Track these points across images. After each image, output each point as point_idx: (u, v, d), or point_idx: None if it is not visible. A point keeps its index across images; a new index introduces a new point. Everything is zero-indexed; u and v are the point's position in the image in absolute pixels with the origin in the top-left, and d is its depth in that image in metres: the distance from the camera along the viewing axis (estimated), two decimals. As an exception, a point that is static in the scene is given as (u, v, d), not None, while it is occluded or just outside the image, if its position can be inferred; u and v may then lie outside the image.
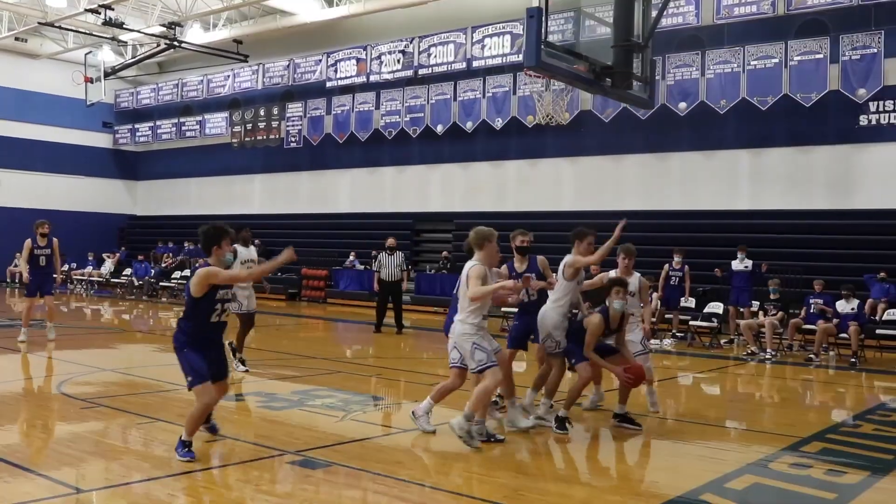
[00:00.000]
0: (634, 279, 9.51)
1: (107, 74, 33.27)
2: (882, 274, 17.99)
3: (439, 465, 7.01)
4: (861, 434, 9.04)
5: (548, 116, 24.55)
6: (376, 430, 8.30)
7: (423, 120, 28.07)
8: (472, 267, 7.62)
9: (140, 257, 31.57)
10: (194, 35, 31.34)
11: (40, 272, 15.00)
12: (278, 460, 7.03)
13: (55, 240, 15.17)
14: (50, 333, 15.04)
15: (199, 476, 6.55)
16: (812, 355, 15.81)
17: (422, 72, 27.65)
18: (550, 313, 8.72)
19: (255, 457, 7.10)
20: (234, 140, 33.26)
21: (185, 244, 31.64)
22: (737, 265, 18.29)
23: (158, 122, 36.67)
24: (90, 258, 32.89)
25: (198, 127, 35.13)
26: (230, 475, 6.74)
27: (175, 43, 29.90)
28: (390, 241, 18.58)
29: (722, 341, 18.12)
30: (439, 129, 27.73)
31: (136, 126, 37.56)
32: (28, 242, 14.82)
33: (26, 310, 15.09)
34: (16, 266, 32.81)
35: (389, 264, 18.38)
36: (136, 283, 30.24)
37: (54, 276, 15.65)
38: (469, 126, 26.98)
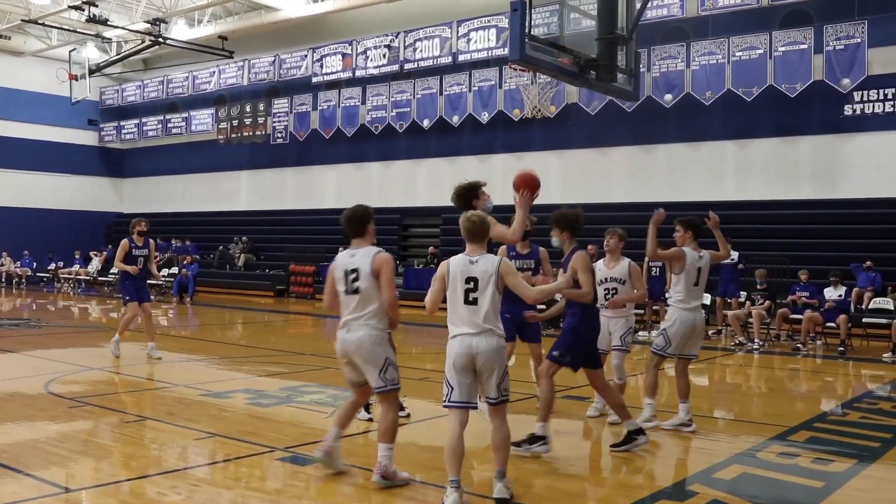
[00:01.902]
0: (624, 264, 9.00)
1: (91, 72, 33.16)
2: (868, 263, 18.09)
3: (429, 460, 7.02)
4: (848, 422, 9.10)
5: (534, 109, 24.59)
6: (364, 426, 8.29)
7: (409, 114, 28.04)
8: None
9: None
10: (179, 31, 31.23)
11: (137, 276, 13.02)
12: (268, 457, 7.03)
13: (152, 241, 13.50)
14: (154, 353, 12.92)
15: (188, 474, 6.54)
16: (800, 344, 15.92)
17: (407, 66, 27.61)
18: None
19: (244, 454, 7.09)
20: (220, 136, 33.16)
21: (172, 241, 31.55)
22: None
23: (144, 120, 36.53)
24: (77, 256, 32.75)
25: (184, 124, 35.02)
26: (219, 473, 6.74)
27: (160, 39, 29.81)
28: None
29: (710, 332, 18.17)
30: (426, 123, 27.71)
31: (122, 123, 37.41)
32: (125, 242, 13.06)
33: (129, 319, 13.11)
34: (2, 265, 32.71)
35: None
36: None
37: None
38: (455, 120, 26.97)
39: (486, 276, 5.89)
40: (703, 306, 18.42)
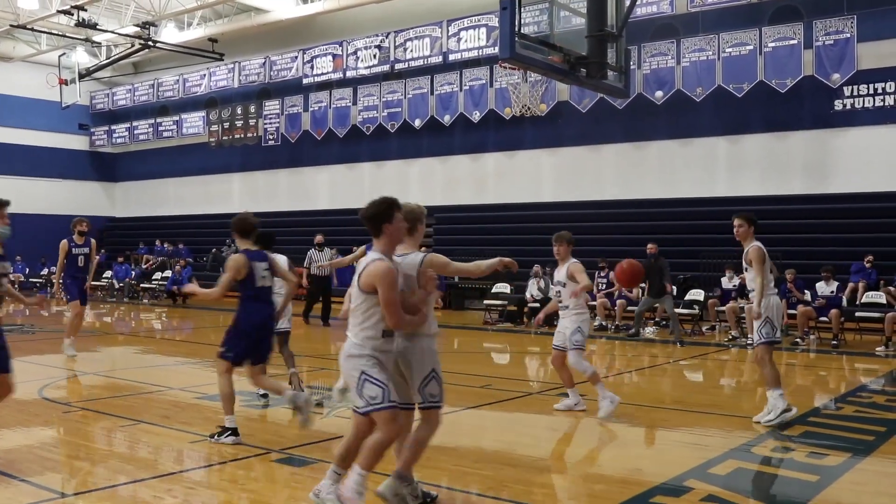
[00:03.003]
0: (563, 270, 9.20)
1: (81, 76, 33.11)
2: (869, 258, 18.02)
3: (424, 460, 7.00)
4: (842, 416, 9.12)
5: (524, 108, 24.59)
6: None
7: (400, 114, 28.04)
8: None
9: (120, 259, 31.41)
10: (169, 34, 31.17)
11: (79, 276, 13.68)
12: (263, 459, 7.02)
13: (93, 240, 13.92)
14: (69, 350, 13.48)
15: (183, 477, 6.54)
16: (798, 339, 16.01)
17: (398, 66, 27.61)
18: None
19: (240, 456, 7.08)
20: (211, 139, 33.10)
21: (164, 245, 31.49)
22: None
23: (135, 123, 36.45)
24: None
25: (175, 127, 34.95)
26: (215, 475, 6.73)
27: (150, 43, 29.76)
28: (318, 238, 19.31)
29: (704, 328, 18.24)
30: (417, 123, 27.72)
31: (113, 127, 37.32)
32: (64, 243, 13.52)
33: (74, 318, 13.59)
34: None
35: (320, 260, 18.96)
36: (117, 286, 30.08)
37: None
38: (447, 119, 26.98)
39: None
40: (696, 303, 18.64)
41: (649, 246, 17.20)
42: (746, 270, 8.99)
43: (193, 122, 34.14)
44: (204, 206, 34.30)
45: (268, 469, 6.81)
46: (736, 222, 8.99)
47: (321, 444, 7.49)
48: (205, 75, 33.09)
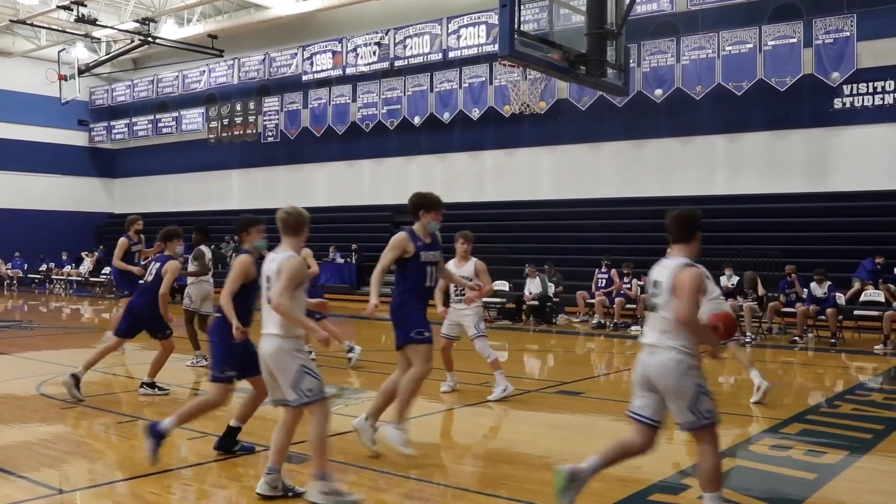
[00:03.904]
0: (470, 264, 10.09)
1: (81, 72, 33.10)
2: (880, 259, 17.96)
3: (421, 456, 7.02)
4: (840, 414, 9.13)
5: (524, 105, 24.62)
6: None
7: (400, 112, 28.05)
8: (287, 260, 5.79)
9: (119, 255, 31.35)
10: (169, 30, 31.18)
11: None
12: (262, 456, 7.01)
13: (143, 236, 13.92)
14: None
15: (182, 474, 6.54)
16: (797, 337, 16.03)
17: (398, 63, 27.61)
18: None
19: (238, 453, 7.07)
20: (210, 136, 33.11)
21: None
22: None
23: (134, 119, 36.46)
24: (64, 257, 32.69)
25: (174, 123, 34.97)
26: (213, 472, 6.72)
27: (149, 39, 29.76)
28: None
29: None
30: (416, 120, 27.73)
31: (112, 123, 37.34)
32: (123, 241, 13.57)
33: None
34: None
35: None
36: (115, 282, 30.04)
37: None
38: (446, 117, 26.98)
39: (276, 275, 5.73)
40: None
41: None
42: None
43: (193, 119, 34.14)
44: (203, 202, 34.30)
45: (265, 466, 6.79)
46: None
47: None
48: (204, 72, 33.08)
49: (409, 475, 6.46)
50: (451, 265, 9.76)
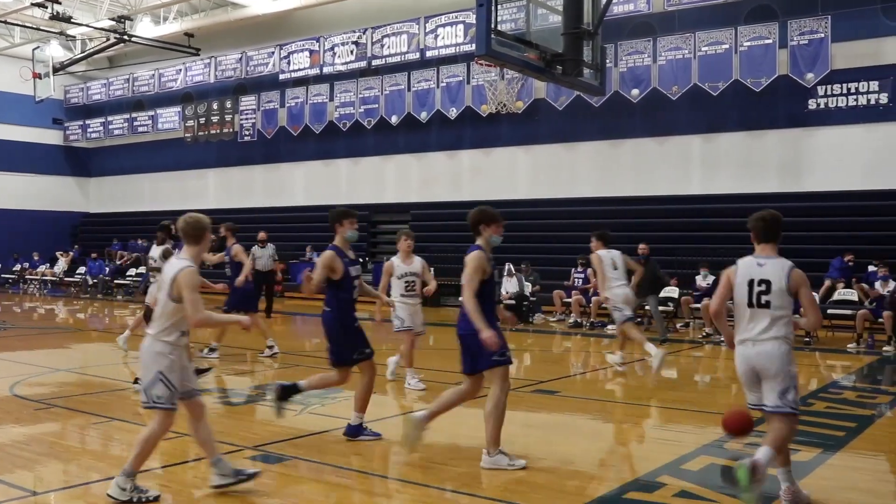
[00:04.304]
0: (417, 263, 10.59)
1: (56, 70, 32.82)
2: (850, 256, 18.16)
3: (399, 456, 7.03)
4: (814, 412, 9.19)
5: (501, 105, 24.66)
6: (335, 423, 8.27)
7: (377, 111, 28.02)
8: (183, 271, 5.79)
9: (94, 255, 31.17)
10: (144, 29, 30.99)
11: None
12: (237, 456, 6.99)
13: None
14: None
15: (157, 475, 6.50)
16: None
17: (375, 63, 27.59)
18: None
19: (213, 453, 7.04)
20: (187, 135, 32.95)
21: (138, 241, 31.26)
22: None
23: (110, 118, 36.21)
24: (35, 258, 32.46)
25: (150, 122, 34.76)
26: (188, 472, 6.70)
27: (125, 37, 29.57)
28: (261, 235, 19.46)
29: (678, 325, 18.34)
30: (394, 119, 27.71)
31: (87, 122, 37.06)
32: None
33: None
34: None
35: (263, 256, 19.16)
36: (91, 282, 29.87)
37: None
38: (423, 116, 26.97)
39: (168, 280, 5.78)
40: (671, 300, 18.70)
41: (641, 246, 17.04)
42: None
43: (169, 118, 33.97)
44: (179, 202, 34.02)
45: (241, 466, 6.77)
46: None
47: (295, 441, 7.48)
48: (180, 70, 32.91)
49: (387, 476, 6.45)
50: (397, 261, 10.51)
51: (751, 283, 5.76)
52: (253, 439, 7.53)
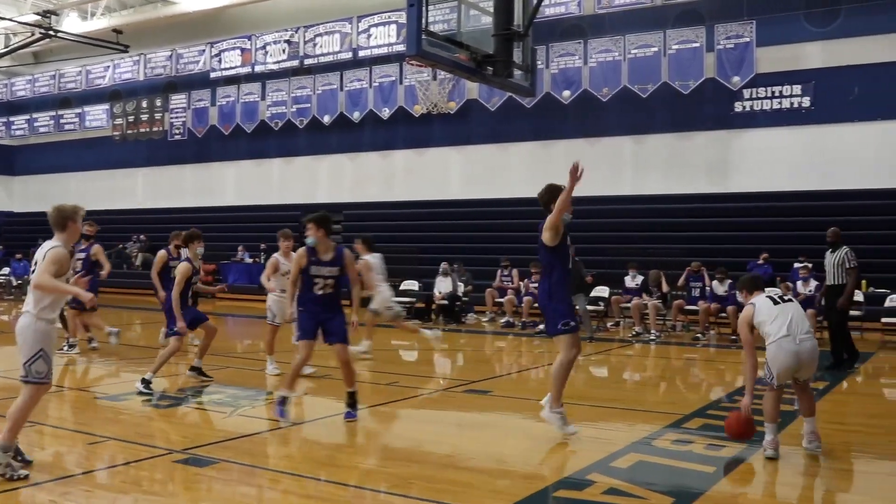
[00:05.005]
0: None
1: (-23, 65, 32.02)
2: (765, 255, 18.65)
3: (328, 458, 7.00)
4: (739, 409, 9.36)
5: (433, 105, 24.71)
6: (266, 425, 8.22)
7: (309, 110, 27.88)
8: (51, 249, 6.40)
9: (18, 256, 30.40)
10: (71, 24, 30.40)
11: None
12: (165, 459, 6.89)
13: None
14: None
15: (82, 480, 6.38)
16: (699, 334, 16.42)
17: (308, 62, 27.45)
18: None
19: (141, 457, 6.93)
20: (115, 133, 32.41)
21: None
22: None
23: (35, 115, 35.45)
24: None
25: (77, 119, 34.10)
26: (115, 477, 6.57)
27: (51, 32, 28.90)
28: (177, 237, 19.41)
29: (608, 324, 18.57)
30: (326, 119, 27.59)
31: (12, 119, 36.22)
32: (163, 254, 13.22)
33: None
34: None
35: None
36: (15, 283, 29.13)
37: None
38: (356, 116, 26.91)
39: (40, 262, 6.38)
40: (601, 299, 18.91)
41: None
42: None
43: (97, 115, 33.38)
44: (107, 201, 33.49)
45: (170, 470, 6.69)
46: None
47: (224, 444, 7.39)
48: (109, 67, 32.37)
49: (319, 477, 6.42)
50: (281, 258, 11.50)
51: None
52: (182, 442, 7.42)
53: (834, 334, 12.73)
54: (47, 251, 6.35)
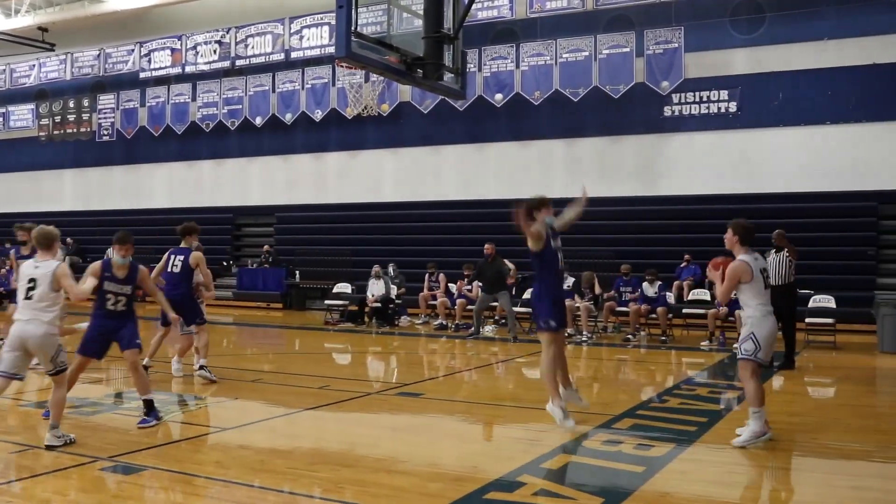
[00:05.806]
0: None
1: None
2: (687, 258, 19.04)
3: (259, 463, 6.93)
4: (668, 408, 9.52)
5: (366, 108, 24.67)
6: (194, 431, 8.11)
7: (241, 112, 27.61)
8: (57, 266, 7.29)
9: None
10: (-7, 22, 29.68)
11: None
12: (90, 468, 6.75)
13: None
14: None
15: (4, 489, 6.22)
16: (630, 335, 16.64)
17: (239, 63, 27.19)
18: None
19: (66, 465, 6.79)
20: (41, 133, 31.73)
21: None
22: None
23: (-44, 115, 34.50)
24: None
25: (1, 119, 33.28)
26: (38, 486, 6.42)
27: (-29, 30, 28.25)
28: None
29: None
30: (258, 121, 27.36)
31: (-70, 118, 35.18)
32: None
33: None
34: None
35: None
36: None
37: None
38: (288, 118, 26.73)
39: (45, 278, 7.20)
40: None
41: (486, 246, 17.53)
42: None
43: (22, 115, 32.65)
44: (33, 203, 32.74)
45: (95, 478, 6.55)
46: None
47: (151, 451, 7.28)
48: (34, 66, 31.69)
49: (244, 482, 6.35)
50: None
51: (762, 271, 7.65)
52: (108, 450, 7.28)
53: (788, 333, 13.02)
54: (54, 269, 7.23)
